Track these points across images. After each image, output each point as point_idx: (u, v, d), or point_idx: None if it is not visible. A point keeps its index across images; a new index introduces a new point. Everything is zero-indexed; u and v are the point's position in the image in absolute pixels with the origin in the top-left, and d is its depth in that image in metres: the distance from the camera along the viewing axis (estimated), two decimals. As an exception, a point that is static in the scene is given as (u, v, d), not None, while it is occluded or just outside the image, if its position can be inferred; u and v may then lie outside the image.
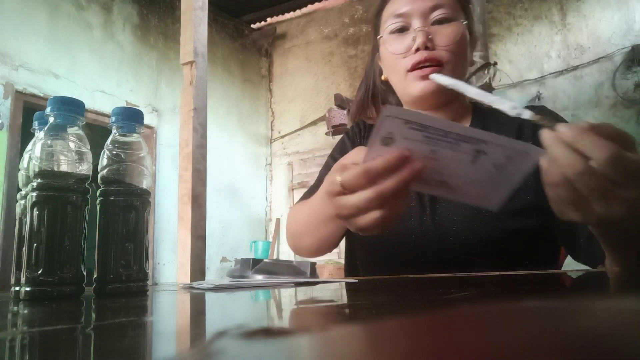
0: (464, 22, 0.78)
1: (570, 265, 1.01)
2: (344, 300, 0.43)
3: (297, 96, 5.51)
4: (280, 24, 5.70)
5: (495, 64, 2.18)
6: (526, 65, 4.08)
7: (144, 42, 4.47)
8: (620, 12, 3.75)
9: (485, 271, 0.69)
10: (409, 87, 0.78)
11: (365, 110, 0.92)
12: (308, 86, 5.42)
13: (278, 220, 5.31)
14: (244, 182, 5.22)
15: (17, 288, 0.49)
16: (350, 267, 0.90)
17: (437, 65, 0.75)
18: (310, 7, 5.36)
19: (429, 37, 0.75)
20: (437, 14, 0.76)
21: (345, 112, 4.19)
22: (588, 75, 3.82)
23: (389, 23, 0.79)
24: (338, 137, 5.53)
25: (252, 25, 5.66)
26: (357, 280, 0.64)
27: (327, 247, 0.80)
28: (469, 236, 0.73)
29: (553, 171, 0.45)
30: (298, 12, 5.49)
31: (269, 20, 5.64)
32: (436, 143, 0.47)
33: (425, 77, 0.75)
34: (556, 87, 3.94)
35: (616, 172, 0.42)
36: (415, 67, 0.75)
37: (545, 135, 0.45)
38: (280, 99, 5.68)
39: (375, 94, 0.91)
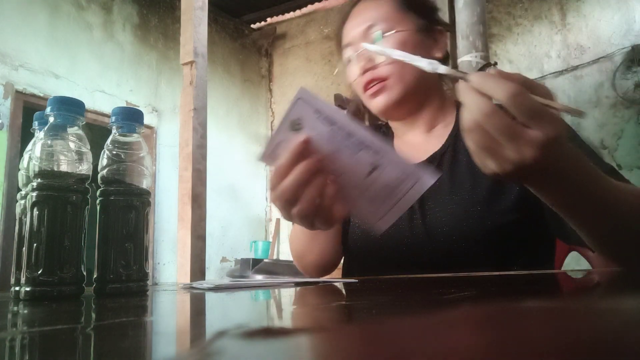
0: (402, 30, 0.79)
1: (570, 265, 1.01)
2: (344, 300, 0.43)
3: (297, 96, 5.51)
4: (280, 24, 5.70)
5: (495, 64, 2.18)
6: (526, 65, 4.08)
7: (144, 42, 4.47)
8: (620, 12, 3.75)
9: (480, 271, 0.70)
10: (370, 107, 0.83)
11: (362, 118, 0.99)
12: (308, 86, 5.38)
13: (278, 220, 5.31)
14: (244, 182, 5.21)
15: (17, 288, 0.49)
16: (347, 271, 0.91)
17: (382, 80, 0.79)
18: (310, 7, 5.36)
19: (369, 57, 0.79)
20: (373, 32, 0.80)
21: (344, 112, 4.19)
22: (588, 75, 3.82)
23: (343, 54, 0.86)
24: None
25: (252, 25, 5.66)
26: (357, 281, 0.64)
27: (330, 259, 0.81)
28: (459, 235, 0.74)
29: (466, 118, 0.46)
30: (298, 12, 5.49)
31: (269, 20, 5.63)
32: (340, 144, 0.48)
33: (375, 95, 0.80)
34: (556, 87, 3.94)
35: (518, 111, 0.43)
36: (366, 89, 0.80)
37: (459, 86, 0.46)
38: (281, 99, 5.67)
39: (361, 112, 0.97)
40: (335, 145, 0.48)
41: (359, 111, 0.97)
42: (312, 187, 0.50)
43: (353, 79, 0.84)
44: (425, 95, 0.84)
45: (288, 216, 0.55)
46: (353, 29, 0.82)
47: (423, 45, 0.82)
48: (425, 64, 0.50)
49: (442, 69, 0.50)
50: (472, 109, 0.45)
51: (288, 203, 0.52)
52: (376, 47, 0.59)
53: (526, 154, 0.44)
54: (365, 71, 0.80)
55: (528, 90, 0.44)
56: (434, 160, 0.81)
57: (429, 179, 0.48)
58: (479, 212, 0.73)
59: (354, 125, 0.47)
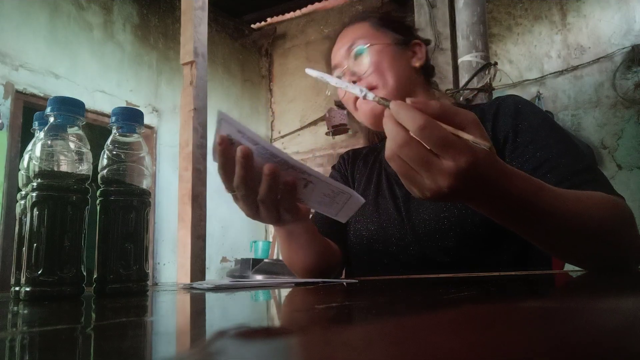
0: (378, 44, 0.86)
1: (572, 265, 1.01)
2: (344, 300, 0.43)
3: (297, 96, 5.51)
4: (280, 24, 5.70)
5: (495, 64, 2.18)
6: (526, 65, 4.08)
7: (144, 42, 4.47)
8: (620, 12, 3.75)
9: (468, 268, 0.71)
10: (361, 118, 0.89)
11: (369, 135, 1.05)
12: (308, 86, 5.42)
13: (278, 220, 5.30)
14: (244, 182, 5.21)
15: (17, 288, 0.49)
16: (347, 272, 0.93)
17: (370, 89, 0.84)
18: (310, 7, 5.36)
19: (353, 71, 0.86)
20: (354, 50, 0.87)
21: (345, 112, 4.20)
22: (588, 75, 3.82)
23: (333, 74, 0.91)
24: (338, 137, 5.49)
25: (252, 25, 5.66)
26: (357, 281, 0.64)
27: (318, 264, 0.81)
28: (443, 233, 0.76)
29: (386, 147, 0.47)
30: (298, 12, 5.49)
31: (269, 20, 5.63)
32: (267, 160, 0.53)
33: (367, 104, 0.85)
34: (556, 87, 3.94)
35: (427, 142, 0.44)
36: (356, 100, 0.87)
37: (384, 114, 0.48)
38: (281, 99, 5.67)
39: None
40: (265, 160, 0.53)
41: None
42: (265, 183, 0.54)
43: (342, 95, 0.90)
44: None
45: (252, 211, 0.59)
46: (338, 51, 0.90)
47: (400, 56, 0.88)
48: (357, 91, 0.53)
49: (371, 96, 0.52)
50: (390, 138, 0.46)
51: (242, 198, 0.57)
52: (316, 72, 0.60)
53: (441, 183, 0.45)
54: None
55: (446, 119, 0.44)
56: None
57: (359, 197, 0.55)
58: (459, 208, 0.75)
59: (275, 148, 0.52)
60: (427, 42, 0.94)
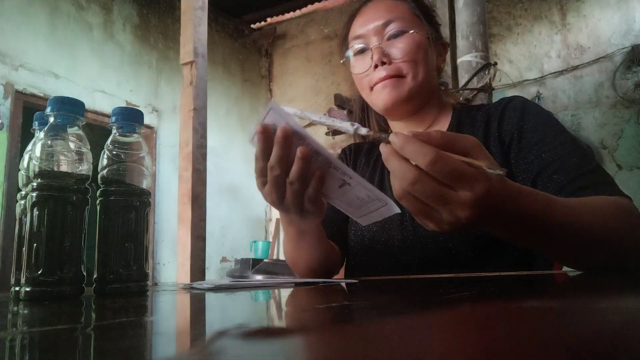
0: (418, 32, 0.81)
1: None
2: (344, 300, 0.43)
3: (297, 96, 5.51)
4: (280, 24, 5.70)
5: (495, 64, 2.18)
6: (526, 65, 4.08)
7: (144, 42, 4.47)
8: (620, 12, 3.75)
9: (469, 271, 0.70)
10: (375, 101, 0.84)
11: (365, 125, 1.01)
12: (308, 86, 5.42)
13: (278, 220, 5.31)
14: (244, 182, 5.22)
15: (17, 288, 0.49)
16: (346, 271, 0.93)
17: (398, 76, 0.80)
18: (310, 7, 5.36)
19: (385, 52, 0.80)
20: (390, 29, 0.81)
21: (345, 112, 4.19)
22: (588, 75, 3.82)
23: (351, 45, 0.86)
24: (338, 137, 5.46)
25: (252, 25, 5.66)
26: (357, 281, 0.64)
27: (321, 264, 0.80)
28: (446, 235, 0.75)
29: (394, 186, 0.45)
30: (298, 12, 5.49)
31: (269, 20, 5.63)
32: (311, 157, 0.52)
33: (390, 90, 0.80)
34: (556, 87, 3.94)
35: (440, 177, 0.42)
36: (377, 83, 0.81)
37: (382, 149, 0.46)
38: (281, 99, 5.67)
39: (366, 109, 0.99)
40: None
41: (364, 109, 0.98)
42: (297, 164, 0.51)
43: (362, 71, 0.83)
44: (427, 96, 0.87)
45: (278, 197, 0.56)
46: (367, 23, 0.82)
47: (432, 52, 0.85)
48: (348, 126, 0.51)
49: (364, 130, 0.49)
50: (398, 177, 0.44)
51: (270, 189, 0.55)
52: (293, 109, 0.57)
53: (459, 214, 0.44)
54: (377, 65, 0.80)
55: (450, 146, 0.43)
56: None
57: (395, 207, 0.51)
58: None
59: (320, 146, 0.50)
60: (448, 45, 0.92)
